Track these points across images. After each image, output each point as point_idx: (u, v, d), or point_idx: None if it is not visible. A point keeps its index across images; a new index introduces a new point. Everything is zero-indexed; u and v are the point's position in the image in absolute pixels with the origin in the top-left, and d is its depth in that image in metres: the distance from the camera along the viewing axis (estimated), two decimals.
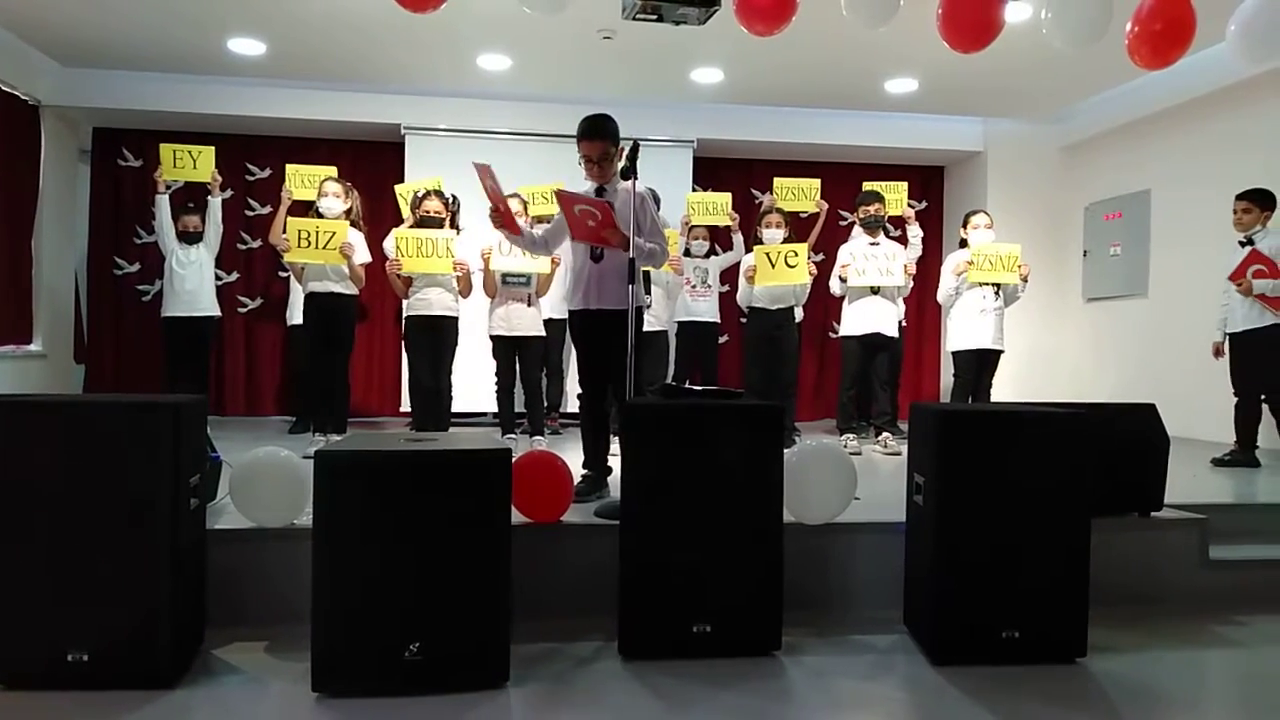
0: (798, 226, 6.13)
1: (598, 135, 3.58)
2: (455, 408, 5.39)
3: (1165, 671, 2.67)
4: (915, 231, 6.29)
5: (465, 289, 5.17)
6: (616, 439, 2.95)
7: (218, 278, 6.34)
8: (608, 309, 3.53)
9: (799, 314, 5.96)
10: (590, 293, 3.63)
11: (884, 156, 7.91)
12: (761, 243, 5.69)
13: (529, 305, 5.24)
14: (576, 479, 3.51)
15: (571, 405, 6.78)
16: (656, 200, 4.77)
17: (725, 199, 6.58)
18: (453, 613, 2.37)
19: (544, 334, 5.44)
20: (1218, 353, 5.29)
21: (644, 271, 3.71)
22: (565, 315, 6.34)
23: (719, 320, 6.51)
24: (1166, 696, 2.49)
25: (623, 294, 3.52)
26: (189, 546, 2.52)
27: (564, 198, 3.49)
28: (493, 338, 5.29)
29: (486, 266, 5.15)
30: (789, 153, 7.71)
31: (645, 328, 4.09)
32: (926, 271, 6.84)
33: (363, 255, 5.14)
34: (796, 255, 5.50)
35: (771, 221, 5.76)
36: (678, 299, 6.21)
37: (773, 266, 5.51)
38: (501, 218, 3.66)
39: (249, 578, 2.86)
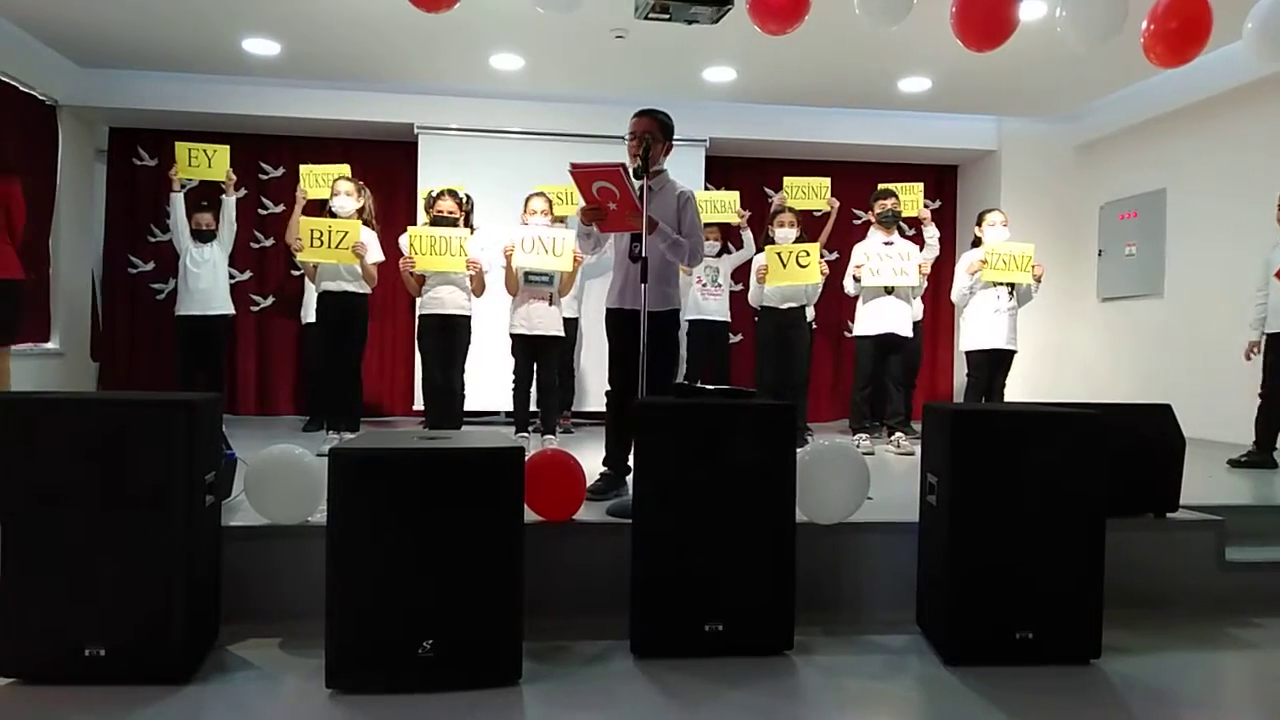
0: (808, 226, 6.12)
1: (645, 114, 3.65)
2: (468, 406, 5.40)
3: (1180, 673, 2.66)
4: (932, 232, 6.27)
5: (478, 288, 5.18)
6: None
7: (231, 276, 6.38)
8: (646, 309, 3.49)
9: (810, 313, 5.95)
10: (627, 291, 3.64)
11: (897, 155, 7.89)
12: (774, 242, 5.68)
13: (550, 304, 5.23)
14: (595, 477, 3.52)
15: (584, 404, 6.81)
16: None
17: (733, 197, 6.59)
18: (465, 610, 2.38)
19: (564, 334, 5.44)
20: (1251, 354, 5.10)
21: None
22: (577, 314, 6.45)
23: (730, 319, 6.52)
24: (1181, 698, 2.48)
25: (659, 294, 3.55)
26: (204, 543, 2.54)
27: (580, 175, 3.45)
28: (513, 336, 5.29)
29: (508, 264, 5.16)
30: (802, 152, 7.69)
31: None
32: (941, 271, 6.82)
33: (375, 254, 5.16)
34: (808, 255, 5.50)
35: (784, 220, 5.75)
36: (688, 297, 6.21)
37: (784, 266, 5.50)
38: (597, 214, 3.53)
39: (263, 575, 2.88)
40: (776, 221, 5.77)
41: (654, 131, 3.60)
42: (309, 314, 6.31)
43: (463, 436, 3.03)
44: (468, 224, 5.28)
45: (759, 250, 5.94)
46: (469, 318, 5.17)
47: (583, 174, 3.43)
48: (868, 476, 3.16)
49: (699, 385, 3.12)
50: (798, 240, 5.67)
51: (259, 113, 7.00)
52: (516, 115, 7.23)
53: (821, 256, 5.72)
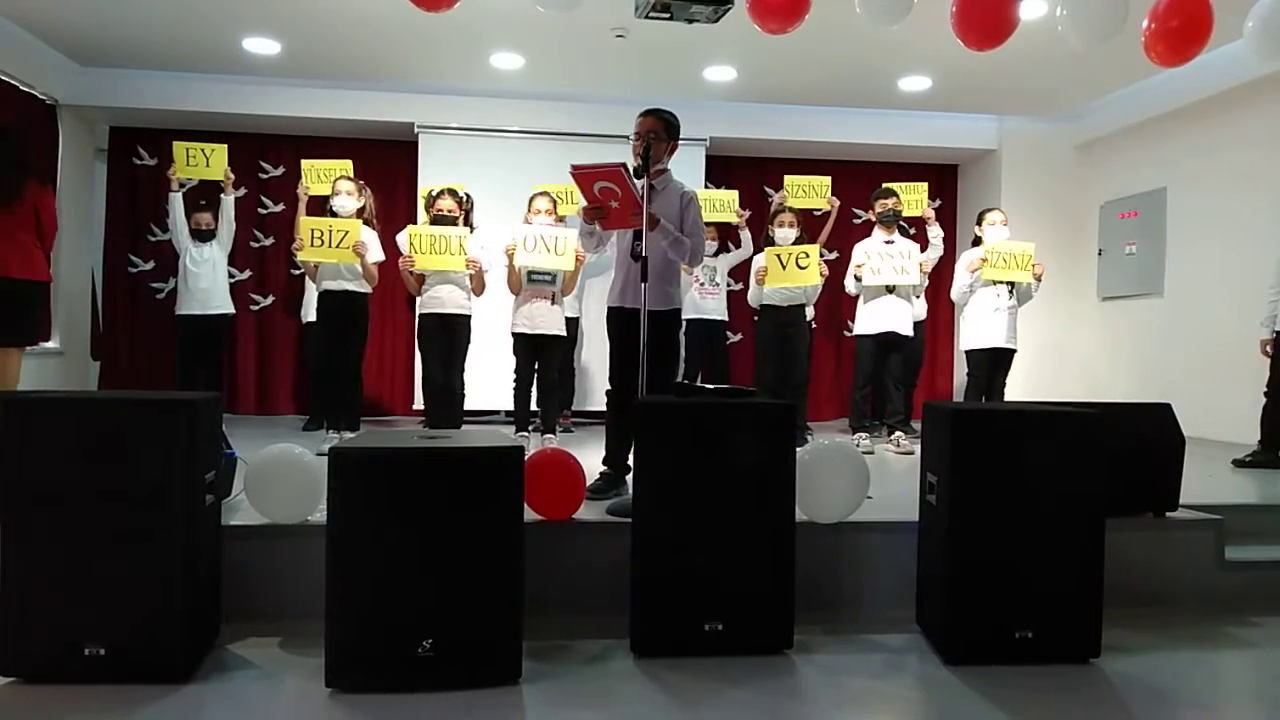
0: (809, 225, 6.11)
1: (650, 113, 3.66)
2: (468, 406, 5.40)
3: (1179, 672, 2.66)
4: (936, 232, 6.27)
5: (478, 287, 5.18)
6: None
7: (230, 275, 6.37)
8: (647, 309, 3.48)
9: (810, 312, 5.95)
10: (628, 290, 3.63)
11: (898, 155, 7.89)
12: (774, 242, 5.68)
13: (553, 303, 5.23)
14: (595, 476, 3.52)
15: (584, 403, 6.81)
16: None
17: (732, 196, 6.59)
18: (465, 609, 2.38)
19: (566, 333, 5.43)
20: (1266, 350, 5.04)
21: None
22: (578, 313, 6.45)
23: (727, 318, 6.52)
24: (1181, 697, 2.48)
25: (661, 294, 3.56)
26: (204, 542, 2.54)
27: (580, 177, 3.45)
28: (515, 335, 5.29)
29: (510, 262, 5.16)
30: (802, 151, 7.69)
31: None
32: (942, 270, 6.82)
33: (376, 254, 5.16)
34: (808, 256, 5.49)
35: (784, 220, 5.74)
36: (686, 296, 6.21)
37: (783, 268, 5.50)
38: (599, 212, 3.53)
39: (263, 574, 2.88)
40: (776, 221, 5.77)
41: (658, 131, 3.60)
42: (309, 313, 6.31)
43: (463, 436, 3.03)
44: (467, 223, 5.29)
45: (759, 250, 5.93)
46: (469, 317, 5.18)
47: (584, 175, 3.43)
48: (867, 476, 3.16)
49: (699, 384, 3.11)
50: (797, 240, 5.66)
51: (259, 112, 7.00)
52: (517, 114, 7.23)
53: (821, 256, 5.71)
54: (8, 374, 4.71)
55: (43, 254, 4.73)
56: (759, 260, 5.73)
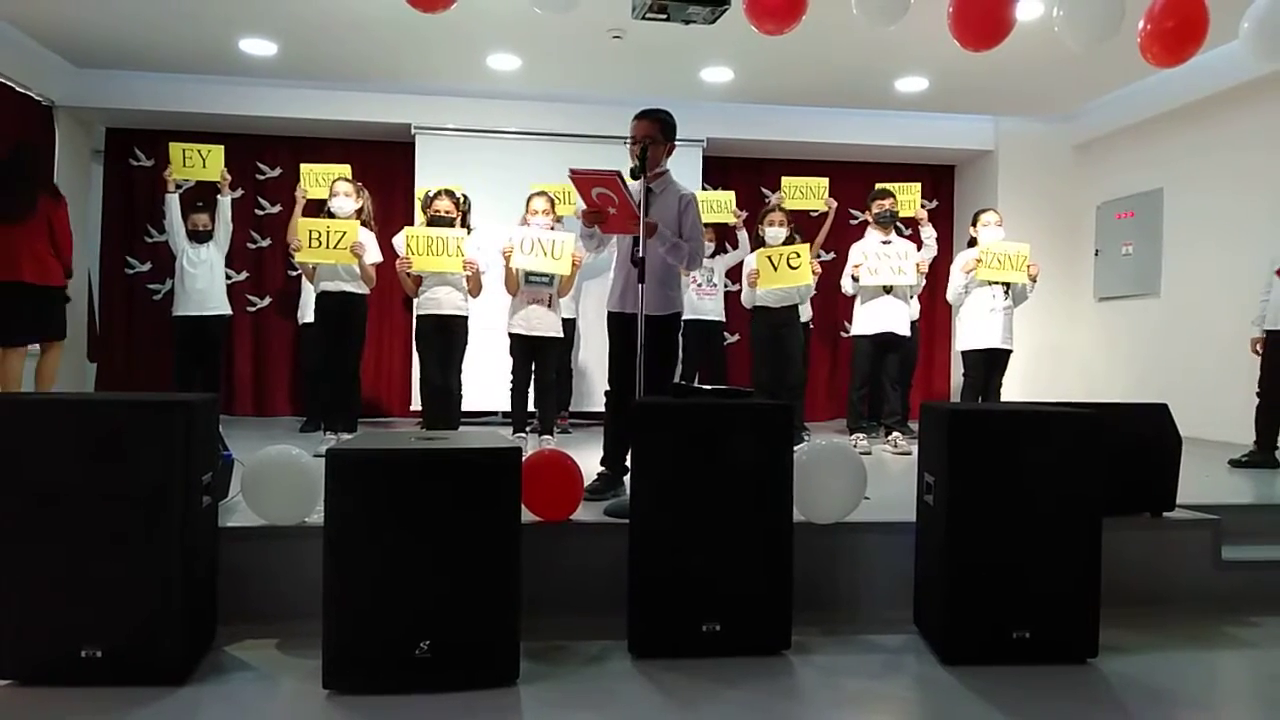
0: (806, 226, 6.11)
1: (644, 115, 3.65)
2: (466, 407, 5.40)
3: (1176, 672, 2.66)
4: (929, 233, 6.28)
5: (475, 288, 5.17)
6: None
7: (227, 276, 6.37)
8: (645, 313, 3.47)
9: (806, 312, 5.95)
10: (628, 295, 3.63)
11: (894, 155, 7.89)
12: (764, 241, 5.68)
13: (549, 306, 5.22)
14: (592, 477, 3.52)
15: (582, 404, 6.81)
16: None
17: (729, 197, 6.60)
18: (463, 610, 2.38)
19: (562, 335, 5.43)
20: (1256, 349, 5.09)
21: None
22: (575, 315, 6.45)
23: (724, 319, 6.53)
24: (1178, 697, 2.48)
25: (661, 298, 3.56)
26: (201, 544, 2.54)
27: (579, 180, 3.45)
28: (512, 336, 5.28)
29: (507, 264, 5.16)
30: (799, 152, 7.70)
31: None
32: (937, 270, 6.83)
33: (373, 255, 5.16)
34: (799, 257, 5.49)
35: (774, 219, 5.75)
36: (684, 297, 6.21)
37: (775, 270, 5.50)
38: (598, 217, 3.55)
39: (260, 575, 2.87)
40: (767, 220, 5.77)
41: (654, 134, 3.60)
42: (306, 314, 6.31)
43: (460, 437, 3.03)
44: (465, 224, 5.28)
45: (752, 249, 5.94)
46: (466, 318, 5.17)
47: (582, 179, 3.44)
48: (865, 476, 3.16)
49: (696, 385, 3.12)
50: (788, 239, 5.67)
51: (256, 113, 7.00)
52: (513, 115, 7.23)
53: (817, 256, 5.72)
54: (10, 375, 4.82)
55: (58, 262, 4.88)
56: (750, 262, 5.73)
